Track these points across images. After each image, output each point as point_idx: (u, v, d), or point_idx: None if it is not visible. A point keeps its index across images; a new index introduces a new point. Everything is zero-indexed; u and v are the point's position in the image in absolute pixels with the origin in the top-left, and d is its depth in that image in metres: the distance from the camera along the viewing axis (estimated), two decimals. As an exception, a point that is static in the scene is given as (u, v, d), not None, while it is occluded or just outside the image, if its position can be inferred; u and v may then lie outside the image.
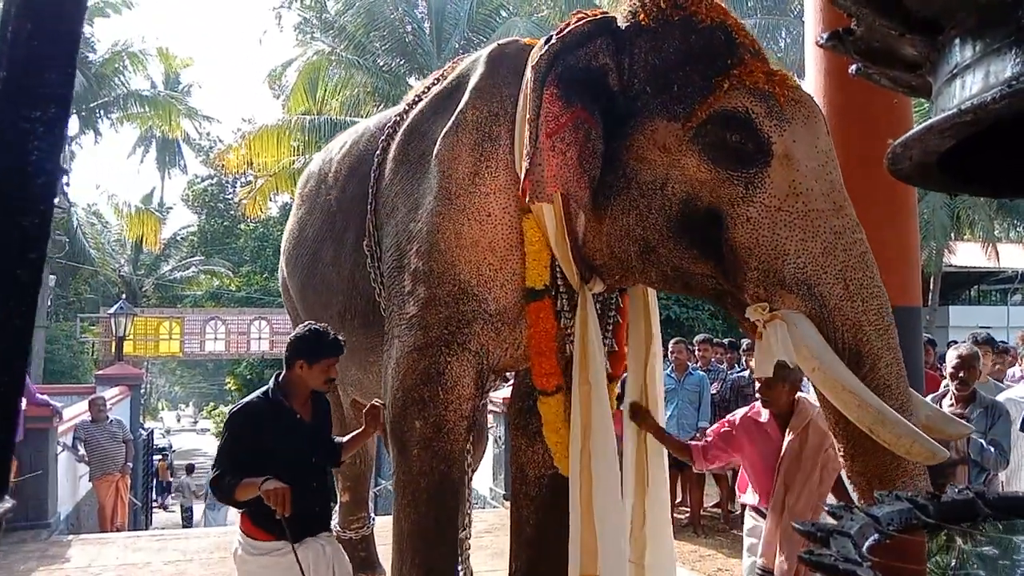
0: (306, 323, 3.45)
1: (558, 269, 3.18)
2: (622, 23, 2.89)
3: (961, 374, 4.54)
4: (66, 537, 7.93)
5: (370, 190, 3.68)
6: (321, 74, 19.33)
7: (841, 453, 2.59)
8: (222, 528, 10.19)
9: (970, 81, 0.81)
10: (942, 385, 5.11)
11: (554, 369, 3.22)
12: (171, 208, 35.29)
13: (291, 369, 3.31)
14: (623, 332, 3.60)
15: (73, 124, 25.83)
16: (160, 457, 21.74)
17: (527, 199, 2.88)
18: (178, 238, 31.41)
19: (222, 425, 3.31)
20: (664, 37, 2.77)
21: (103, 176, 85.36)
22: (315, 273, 4.33)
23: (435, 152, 3.25)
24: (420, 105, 3.64)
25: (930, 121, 0.83)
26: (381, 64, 20.03)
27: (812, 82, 5.20)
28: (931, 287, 21.68)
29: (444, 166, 3.20)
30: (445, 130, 3.23)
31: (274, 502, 2.97)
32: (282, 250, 5.06)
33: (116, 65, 25.39)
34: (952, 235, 21.32)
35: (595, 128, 2.83)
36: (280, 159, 19.07)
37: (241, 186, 27.41)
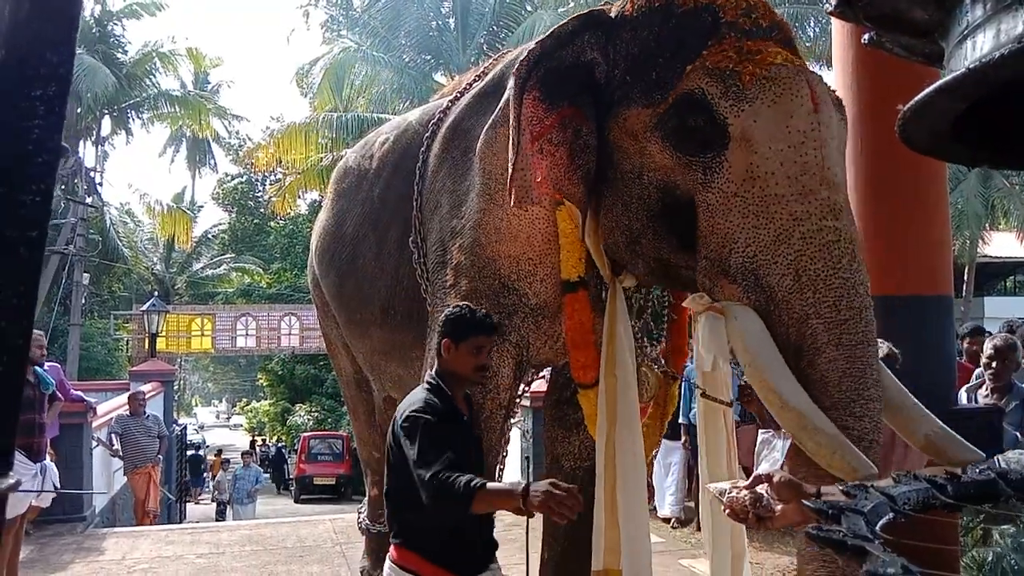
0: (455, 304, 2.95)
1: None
2: (613, 14, 2.86)
3: (995, 364, 4.46)
4: (101, 530, 8.07)
5: (415, 187, 3.69)
6: (347, 71, 19.43)
7: (789, 451, 2.44)
8: (253, 521, 10.31)
9: (981, 40, 0.78)
10: (974, 375, 5.03)
11: (592, 361, 3.16)
12: (202, 206, 35.71)
13: (440, 356, 2.77)
14: (682, 327, 3.54)
15: (105, 124, 26.26)
16: (216, 453, 22.09)
17: (512, 204, 2.87)
18: (209, 236, 31.80)
19: (401, 429, 2.57)
20: (646, 24, 2.72)
21: (135, 175, 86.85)
22: (355, 268, 4.31)
23: (477, 150, 3.27)
24: (462, 102, 3.65)
25: (939, 82, 0.80)
26: (407, 60, 20.09)
27: (840, 70, 5.13)
28: (965, 278, 21.32)
29: (485, 163, 3.21)
30: (486, 128, 3.24)
31: (557, 511, 2.27)
32: (313, 246, 5.04)
33: (147, 66, 25.68)
34: (987, 224, 20.96)
35: (585, 123, 2.82)
36: (308, 156, 19.21)
37: (270, 184, 27.70)
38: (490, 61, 3.84)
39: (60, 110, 0.85)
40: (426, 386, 2.74)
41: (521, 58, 2.86)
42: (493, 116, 3.24)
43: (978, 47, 0.79)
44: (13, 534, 5.70)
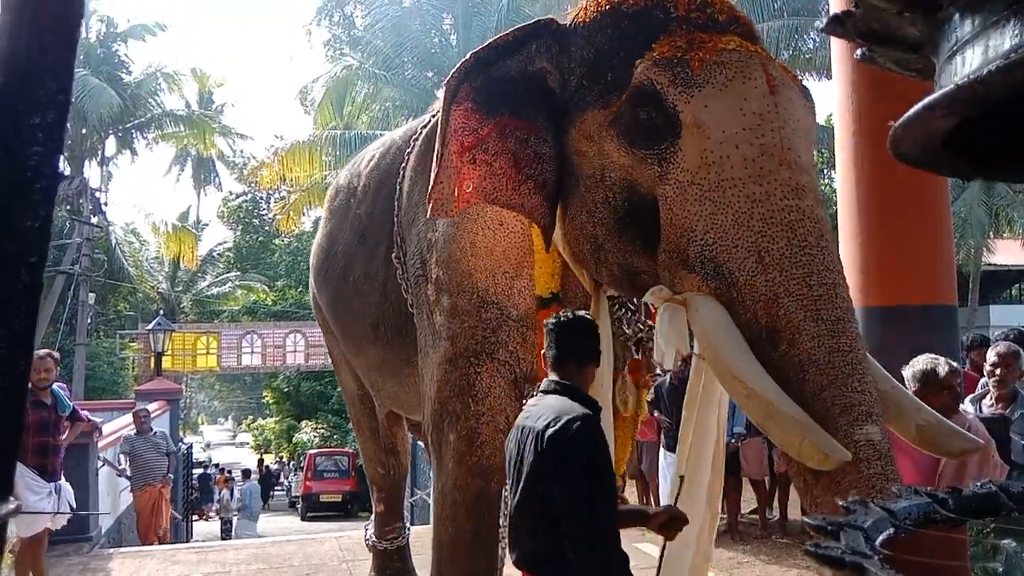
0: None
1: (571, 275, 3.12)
2: (567, 23, 2.84)
3: (999, 371, 4.43)
4: (107, 550, 8.05)
5: (396, 202, 3.73)
6: (349, 89, 19.52)
7: (795, 470, 2.23)
8: (259, 540, 10.27)
9: (970, 56, 0.79)
10: (979, 384, 5.00)
11: None
12: (207, 225, 35.80)
13: (581, 370, 2.49)
14: None
15: (110, 144, 26.41)
16: (220, 471, 22.15)
17: (428, 215, 2.85)
18: (214, 254, 31.87)
19: (560, 446, 2.24)
20: (598, 28, 2.68)
21: (140, 195, 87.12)
22: (346, 286, 4.36)
23: None
24: (437, 117, 3.68)
25: (928, 99, 0.80)
26: (409, 77, 20.17)
27: (840, 83, 5.15)
28: (970, 286, 21.25)
29: None
30: None
31: (672, 534, 2.46)
32: (311, 264, 5.11)
33: (151, 86, 25.85)
34: (991, 233, 20.90)
35: (533, 132, 2.75)
36: (312, 174, 19.29)
37: (275, 202, 27.81)
38: None
39: (59, 136, 0.86)
40: (575, 400, 2.39)
41: (453, 71, 2.82)
42: None
43: (967, 63, 0.79)
44: (32, 556, 5.66)
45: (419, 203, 3.49)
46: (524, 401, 3.40)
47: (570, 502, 2.22)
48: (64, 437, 6.00)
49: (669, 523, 2.45)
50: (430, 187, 2.80)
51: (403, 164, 3.77)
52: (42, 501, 5.57)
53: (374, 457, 5.20)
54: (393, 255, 3.72)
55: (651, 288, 2.55)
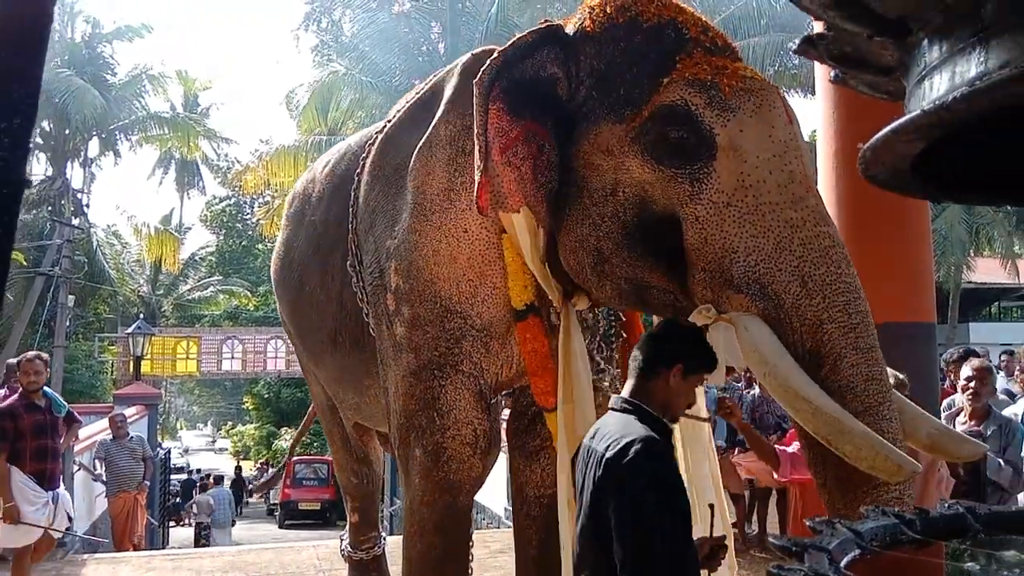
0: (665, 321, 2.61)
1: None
2: (570, 30, 2.81)
3: (973, 385, 4.47)
4: (82, 556, 7.94)
5: (351, 208, 3.64)
6: (334, 95, 19.49)
7: (811, 462, 2.38)
8: (235, 548, 10.19)
9: (938, 82, 0.79)
10: (946, 400, 5.04)
11: (553, 387, 3.09)
12: (190, 228, 35.56)
13: (655, 378, 2.27)
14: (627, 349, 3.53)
15: (93, 146, 26.22)
16: (206, 476, 21.92)
17: (489, 211, 2.79)
18: (196, 258, 31.68)
19: (617, 471, 2.07)
20: (609, 41, 2.68)
21: (123, 197, 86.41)
22: (303, 295, 4.30)
23: (410, 168, 3.20)
24: (396, 118, 3.62)
25: (894, 124, 0.81)
26: (395, 84, 20.16)
27: (824, 100, 5.19)
28: (950, 303, 21.43)
29: (418, 182, 3.15)
30: (419, 145, 3.18)
31: (716, 564, 2.34)
32: (271, 273, 5.05)
33: (136, 87, 25.73)
34: (971, 251, 21.10)
35: (547, 139, 2.74)
36: (297, 179, 19.19)
37: (259, 206, 27.68)
38: (431, 77, 3.76)
39: (25, 143, 0.84)
40: (640, 419, 2.20)
41: (483, 67, 2.76)
42: (427, 134, 3.16)
43: (935, 88, 0.80)
44: (16, 566, 5.55)
45: (376, 209, 3.42)
46: (488, 413, 3.37)
47: (626, 539, 2.03)
48: (62, 440, 5.86)
49: (712, 554, 2.34)
50: (479, 183, 2.71)
51: (358, 170, 3.67)
52: (38, 512, 5.43)
53: (346, 467, 5.14)
54: (348, 263, 3.63)
55: (663, 301, 2.63)
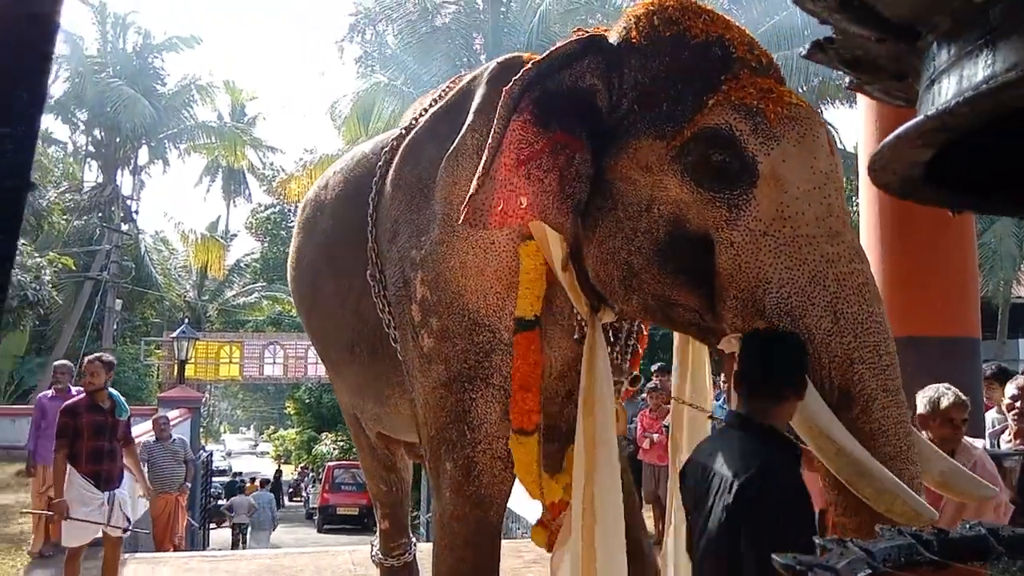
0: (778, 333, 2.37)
1: (555, 299, 3.06)
2: (614, 40, 2.74)
3: (1020, 404, 4.33)
4: (122, 556, 8.07)
5: (369, 217, 3.58)
6: (376, 105, 19.68)
7: (833, 503, 2.34)
8: (272, 551, 10.29)
9: (946, 86, 0.77)
10: (989, 419, 4.89)
11: (536, 407, 3.05)
12: (235, 235, 36.17)
13: (784, 402, 2.21)
14: (639, 356, 3.46)
15: (143, 154, 26.84)
16: (242, 480, 22.28)
17: (463, 223, 2.68)
18: (241, 264, 32.18)
19: (751, 501, 2.01)
20: (654, 54, 2.62)
21: (171, 204, 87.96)
22: (316, 303, 4.29)
23: (438, 178, 3.16)
24: (419, 125, 3.56)
25: (899, 130, 0.78)
26: (437, 95, 20.28)
27: (863, 110, 5.10)
28: (999, 319, 20.86)
29: (446, 192, 3.10)
30: (447, 155, 3.12)
31: None
32: (288, 280, 5.04)
33: (185, 98, 26.33)
34: (1021, 265, 20.51)
35: (580, 151, 2.69)
36: (338, 188, 19.39)
37: (302, 214, 27.95)
38: (448, 83, 3.71)
39: (29, 149, 0.85)
40: (763, 445, 2.17)
41: (515, 77, 2.69)
42: (455, 144, 3.08)
43: (943, 93, 0.77)
44: (68, 564, 5.60)
45: (399, 219, 3.37)
46: None
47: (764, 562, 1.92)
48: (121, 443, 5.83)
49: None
50: (468, 194, 2.64)
51: (375, 178, 3.62)
52: (93, 512, 5.43)
53: (375, 474, 5.12)
54: (368, 273, 3.56)
55: (689, 320, 2.62)
